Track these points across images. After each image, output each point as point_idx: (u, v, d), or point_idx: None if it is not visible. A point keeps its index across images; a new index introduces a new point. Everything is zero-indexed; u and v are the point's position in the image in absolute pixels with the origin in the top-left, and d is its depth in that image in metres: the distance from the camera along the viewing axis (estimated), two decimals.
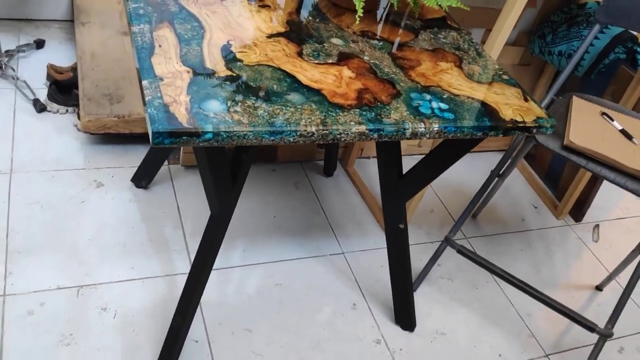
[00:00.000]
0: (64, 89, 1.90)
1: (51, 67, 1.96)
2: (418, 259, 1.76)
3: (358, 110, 0.96)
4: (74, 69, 1.96)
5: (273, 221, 1.75)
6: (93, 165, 1.75)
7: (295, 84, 0.98)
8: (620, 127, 1.35)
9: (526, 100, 1.13)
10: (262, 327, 1.45)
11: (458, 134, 1.01)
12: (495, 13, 1.76)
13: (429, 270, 1.64)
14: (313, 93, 0.97)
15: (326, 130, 0.91)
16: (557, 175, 2.11)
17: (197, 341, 1.39)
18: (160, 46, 0.98)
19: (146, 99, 0.86)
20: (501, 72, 1.20)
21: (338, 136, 0.92)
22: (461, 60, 1.20)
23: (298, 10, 1.22)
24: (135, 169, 1.77)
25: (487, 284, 1.74)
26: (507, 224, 2.00)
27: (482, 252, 1.85)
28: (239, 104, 0.90)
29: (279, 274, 1.60)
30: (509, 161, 1.52)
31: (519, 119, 1.06)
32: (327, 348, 1.45)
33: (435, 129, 0.99)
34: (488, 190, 1.54)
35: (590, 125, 1.33)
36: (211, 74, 0.95)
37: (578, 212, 2.07)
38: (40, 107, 1.87)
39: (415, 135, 0.98)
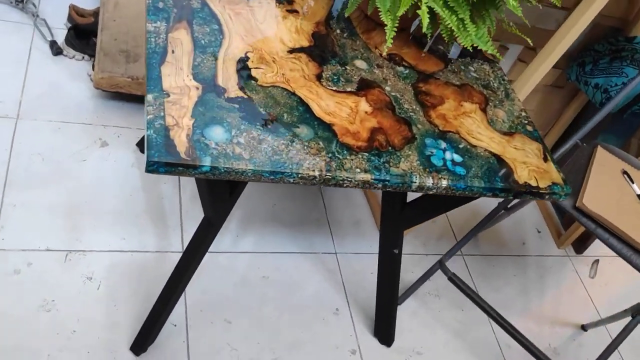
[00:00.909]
0: (82, 34, 1.85)
1: (73, 9, 1.90)
2: (410, 270, 1.75)
3: (367, 154, 0.92)
4: (96, 13, 1.90)
5: (271, 209, 1.73)
6: (100, 122, 1.73)
7: (307, 114, 0.94)
8: (639, 192, 1.30)
9: (545, 160, 1.08)
10: (242, 320, 1.46)
11: (466, 192, 0.97)
12: (539, 32, 1.67)
13: (418, 287, 1.63)
14: (324, 128, 0.93)
15: (329, 175, 0.87)
16: None
17: (175, 325, 1.40)
18: (173, 52, 0.93)
19: (147, 117, 0.82)
20: (526, 122, 1.14)
21: (341, 182, 0.89)
22: (487, 102, 1.15)
23: (327, 20, 1.15)
24: (143, 132, 1.74)
25: (474, 307, 1.74)
26: (506, 245, 1.97)
27: (476, 272, 1.83)
28: (244, 134, 0.86)
29: (268, 266, 1.59)
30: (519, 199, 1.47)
31: (533, 182, 1.02)
32: (302, 351, 1.46)
33: (444, 185, 0.95)
34: (492, 220, 1.50)
35: (607, 186, 1.28)
36: (221, 93, 0.90)
37: (581, 244, 2.03)
38: (56, 50, 1.83)
39: (421, 189, 0.94)
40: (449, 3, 1.01)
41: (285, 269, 1.61)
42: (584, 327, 1.82)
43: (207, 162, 0.80)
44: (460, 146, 1.02)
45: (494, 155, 1.03)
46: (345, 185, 0.89)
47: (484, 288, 1.80)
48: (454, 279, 1.49)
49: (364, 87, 1.04)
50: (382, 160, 0.93)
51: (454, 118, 1.07)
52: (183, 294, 1.46)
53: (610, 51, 1.74)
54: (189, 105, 0.86)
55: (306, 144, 0.89)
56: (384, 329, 1.53)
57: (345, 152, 0.91)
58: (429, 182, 0.94)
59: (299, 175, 0.86)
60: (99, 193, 1.56)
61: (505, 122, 1.12)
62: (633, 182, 1.31)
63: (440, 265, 1.52)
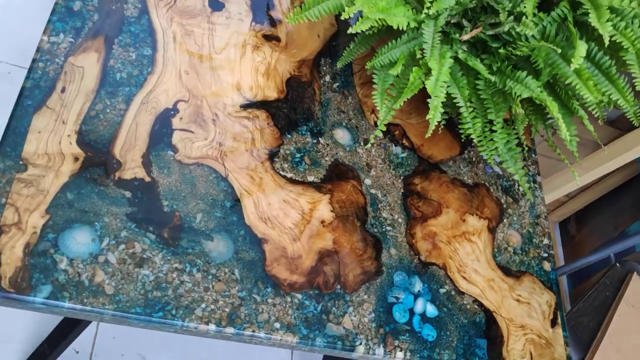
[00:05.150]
0: None
1: None
2: None
3: (300, 296, 0.65)
4: None
5: None
6: None
7: (235, 216, 0.66)
8: None
9: (554, 322, 0.79)
10: (160, 357, 1.25)
11: None
12: None
13: None
14: (250, 244, 0.65)
15: (230, 331, 0.61)
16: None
17: (78, 352, 1.19)
18: (63, 91, 0.64)
19: None
20: (546, 255, 0.85)
21: (247, 340, 0.62)
22: (501, 217, 0.85)
23: (318, 58, 0.84)
24: None
25: None
26: None
27: None
28: (121, 246, 0.59)
29: None
30: None
31: None
32: None
33: (399, 358, 0.68)
34: None
35: (625, 353, 0.98)
36: (113, 169, 0.63)
37: None
38: None
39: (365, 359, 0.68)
40: (480, 94, 0.70)
41: None
42: None
43: (41, 295, 0.54)
44: (442, 291, 0.74)
45: (485, 311, 0.75)
46: (253, 343, 0.63)
47: None
48: None
49: (334, 177, 0.75)
50: (319, 308, 0.65)
51: (447, 241, 0.78)
52: None
53: None
54: (50, 189, 0.59)
55: (213, 272, 0.62)
56: None
57: (268, 290, 0.64)
58: (379, 351, 0.67)
59: (183, 327, 0.59)
60: None
61: (516, 254, 0.83)
62: None
63: None
